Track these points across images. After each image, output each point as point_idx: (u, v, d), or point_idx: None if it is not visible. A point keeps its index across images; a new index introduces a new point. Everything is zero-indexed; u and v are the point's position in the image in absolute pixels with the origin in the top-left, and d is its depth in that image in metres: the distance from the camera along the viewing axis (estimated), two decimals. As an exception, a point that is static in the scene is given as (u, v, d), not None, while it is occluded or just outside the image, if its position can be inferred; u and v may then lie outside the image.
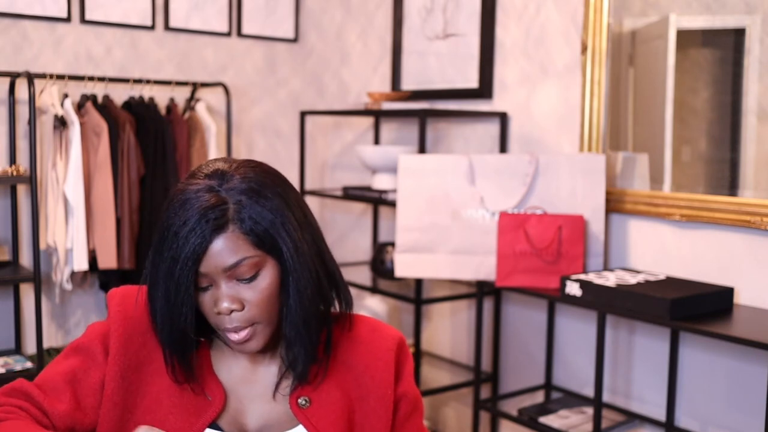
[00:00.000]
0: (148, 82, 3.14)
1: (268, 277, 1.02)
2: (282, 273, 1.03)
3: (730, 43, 2.21)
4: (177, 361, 1.07)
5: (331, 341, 1.12)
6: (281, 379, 1.11)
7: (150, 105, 3.11)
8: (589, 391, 2.55)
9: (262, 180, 1.04)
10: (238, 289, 1.02)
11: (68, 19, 3.04)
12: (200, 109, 3.25)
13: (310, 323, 1.06)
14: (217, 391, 1.09)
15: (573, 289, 2.15)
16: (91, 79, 3.01)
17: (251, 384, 1.11)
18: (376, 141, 3.33)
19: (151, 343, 1.09)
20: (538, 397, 2.70)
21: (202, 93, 3.38)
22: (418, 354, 2.76)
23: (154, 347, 1.09)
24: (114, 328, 1.08)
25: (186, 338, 1.04)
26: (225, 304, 1.01)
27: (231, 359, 1.12)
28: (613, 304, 2.06)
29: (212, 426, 1.07)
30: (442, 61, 3.03)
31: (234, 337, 1.03)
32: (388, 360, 1.14)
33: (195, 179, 1.03)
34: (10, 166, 2.82)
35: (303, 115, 3.19)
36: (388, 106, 2.84)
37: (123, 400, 1.07)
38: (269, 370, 1.12)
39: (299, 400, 1.09)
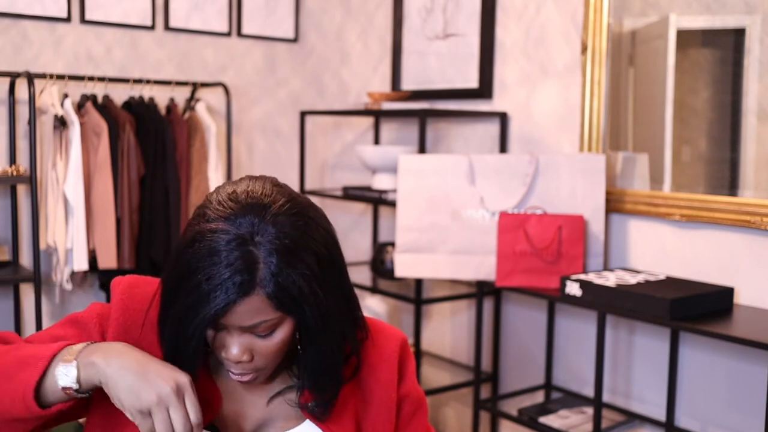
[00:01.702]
0: (148, 82, 3.14)
1: (284, 332, 0.99)
2: (300, 327, 1.00)
3: (730, 43, 2.21)
4: None
5: (358, 361, 1.12)
6: (285, 389, 1.11)
7: (150, 105, 3.11)
8: (589, 391, 2.55)
9: (298, 235, 0.96)
10: (251, 341, 0.99)
11: (68, 19, 3.04)
12: (200, 109, 3.25)
13: (329, 372, 1.05)
14: (214, 395, 1.08)
15: (573, 289, 2.15)
16: (91, 79, 3.01)
17: (251, 388, 1.11)
18: (376, 141, 3.33)
19: (150, 336, 1.06)
20: (538, 397, 2.70)
21: (202, 93, 3.38)
22: (418, 354, 2.76)
23: (152, 342, 1.06)
24: (114, 317, 1.06)
25: (191, 367, 1.02)
26: (234, 353, 0.99)
27: None
28: (613, 304, 2.06)
29: (210, 428, 1.07)
30: (442, 61, 3.03)
31: (237, 378, 1.03)
32: (392, 362, 1.14)
33: (225, 221, 0.95)
34: (10, 166, 2.82)
35: (303, 115, 3.19)
36: (388, 106, 2.84)
37: None
38: (271, 377, 1.12)
39: (309, 405, 1.08)
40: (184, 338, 0.97)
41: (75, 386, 0.93)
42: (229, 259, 0.93)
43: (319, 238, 0.99)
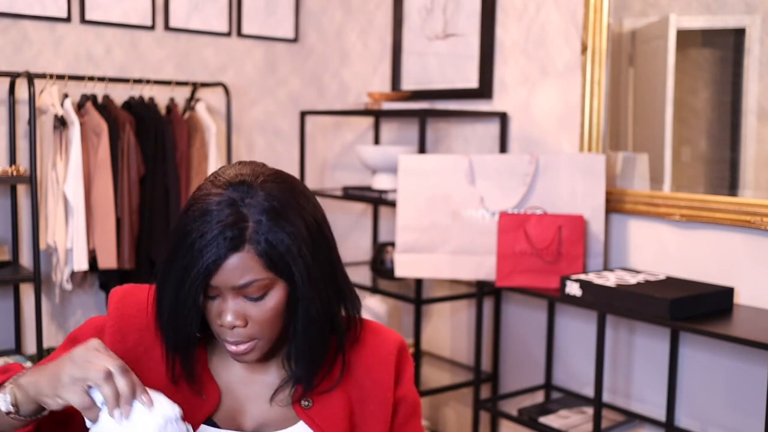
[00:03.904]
0: (148, 82, 3.14)
1: (275, 297, 1.01)
2: (291, 295, 1.02)
3: (730, 43, 2.21)
4: (178, 361, 1.07)
5: (344, 357, 1.12)
6: (281, 385, 1.11)
7: (150, 105, 3.11)
8: (589, 391, 2.55)
9: (286, 199, 1.02)
10: (244, 305, 1.01)
11: (68, 19, 3.04)
12: (200, 109, 3.25)
13: (316, 345, 1.06)
14: (212, 390, 1.09)
15: (573, 289, 2.15)
16: (91, 79, 3.01)
17: (249, 384, 1.12)
18: (376, 141, 3.34)
19: (147, 339, 1.09)
20: (538, 397, 2.70)
21: (202, 93, 3.38)
22: (418, 354, 2.76)
23: (151, 344, 1.09)
24: (109, 325, 1.09)
25: (189, 341, 1.05)
26: (229, 319, 1.01)
27: (229, 359, 1.12)
28: (613, 304, 2.06)
29: (209, 423, 1.08)
30: (442, 61, 3.03)
31: (233, 348, 1.04)
32: (389, 363, 1.14)
33: (217, 187, 1.01)
34: (10, 166, 2.82)
35: (303, 115, 3.19)
36: (388, 106, 2.84)
37: None
38: (268, 372, 1.13)
39: (302, 402, 1.09)
40: (181, 303, 1.00)
41: (13, 409, 0.94)
42: (220, 217, 0.98)
43: (307, 206, 1.04)
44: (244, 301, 1.01)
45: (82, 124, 2.89)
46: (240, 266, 0.98)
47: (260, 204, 0.99)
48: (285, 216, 1.00)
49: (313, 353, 1.07)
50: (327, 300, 1.05)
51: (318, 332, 1.05)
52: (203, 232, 0.98)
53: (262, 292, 1.00)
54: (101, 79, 3.04)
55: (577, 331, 2.59)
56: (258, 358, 1.06)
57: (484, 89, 2.84)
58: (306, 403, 1.09)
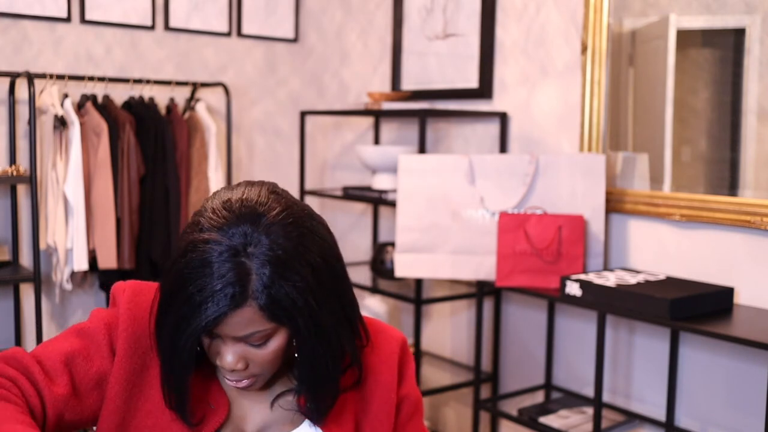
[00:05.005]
0: (148, 82, 3.14)
1: (278, 342, 0.99)
2: (295, 336, 0.99)
3: (730, 43, 2.21)
4: (174, 393, 1.03)
5: (360, 370, 1.10)
6: (284, 392, 1.11)
7: (150, 105, 3.11)
8: (589, 391, 2.55)
9: (292, 246, 0.94)
10: (245, 349, 0.98)
11: (68, 19, 3.04)
12: (200, 109, 3.25)
13: (324, 381, 1.04)
14: (221, 400, 1.08)
15: (573, 289, 2.15)
16: (91, 79, 3.01)
17: (255, 392, 1.11)
18: (376, 141, 3.34)
19: None
20: (538, 397, 2.70)
21: (202, 93, 3.38)
22: (418, 354, 2.76)
23: None
24: (123, 328, 1.05)
25: (184, 379, 1.02)
26: (229, 361, 0.98)
27: None
28: (613, 304, 2.06)
29: None
30: (442, 61, 3.03)
31: (233, 384, 1.03)
32: (392, 363, 1.14)
33: (218, 230, 0.94)
34: (10, 166, 2.82)
35: (303, 115, 3.19)
36: (388, 106, 2.84)
37: (126, 403, 1.05)
38: (275, 381, 1.12)
39: (308, 404, 1.08)
40: (177, 347, 0.97)
41: None
42: (221, 271, 0.92)
43: (314, 248, 0.97)
44: (244, 345, 0.98)
45: (82, 124, 2.89)
46: (242, 321, 0.94)
47: (264, 254, 0.93)
48: (291, 266, 0.94)
49: (320, 383, 1.04)
50: (336, 338, 1.01)
51: (323, 370, 1.03)
52: (202, 286, 0.92)
53: (263, 340, 0.98)
54: (101, 79, 3.04)
55: (577, 331, 2.59)
56: (258, 388, 1.05)
57: (484, 89, 2.84)
58: (311, 405, 1.08)
